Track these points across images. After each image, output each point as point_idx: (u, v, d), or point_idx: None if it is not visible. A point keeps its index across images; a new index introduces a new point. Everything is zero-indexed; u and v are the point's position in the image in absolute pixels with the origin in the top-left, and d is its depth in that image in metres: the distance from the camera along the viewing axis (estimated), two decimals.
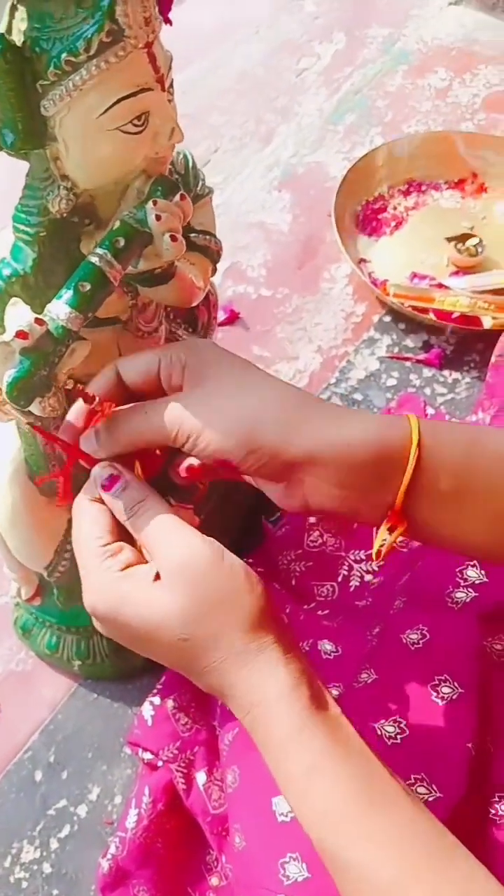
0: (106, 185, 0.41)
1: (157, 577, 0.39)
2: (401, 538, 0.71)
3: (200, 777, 0.60)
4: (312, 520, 0.73)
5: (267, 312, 0.93)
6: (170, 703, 0.64)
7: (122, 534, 0.42)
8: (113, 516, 0.42)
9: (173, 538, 0.40)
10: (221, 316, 0.91)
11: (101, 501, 0.42)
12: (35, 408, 0.41)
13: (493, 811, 0.49)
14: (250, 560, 0.73)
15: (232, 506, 0.76)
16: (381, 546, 0.40)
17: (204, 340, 0.44)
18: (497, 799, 0.49)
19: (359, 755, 0.38)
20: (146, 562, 0.41)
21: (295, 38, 1.28)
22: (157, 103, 0.39)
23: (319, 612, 0.68)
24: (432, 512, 0.40)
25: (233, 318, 0.92)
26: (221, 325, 0.92)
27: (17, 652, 0.72)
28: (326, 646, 0.63)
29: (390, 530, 0.39)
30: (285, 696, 0.38)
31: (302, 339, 0.91)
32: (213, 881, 0.59)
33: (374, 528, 0.41)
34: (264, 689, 0.38)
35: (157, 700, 0.65)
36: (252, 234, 1.01)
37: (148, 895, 0.58)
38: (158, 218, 0.40)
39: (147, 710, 0.65)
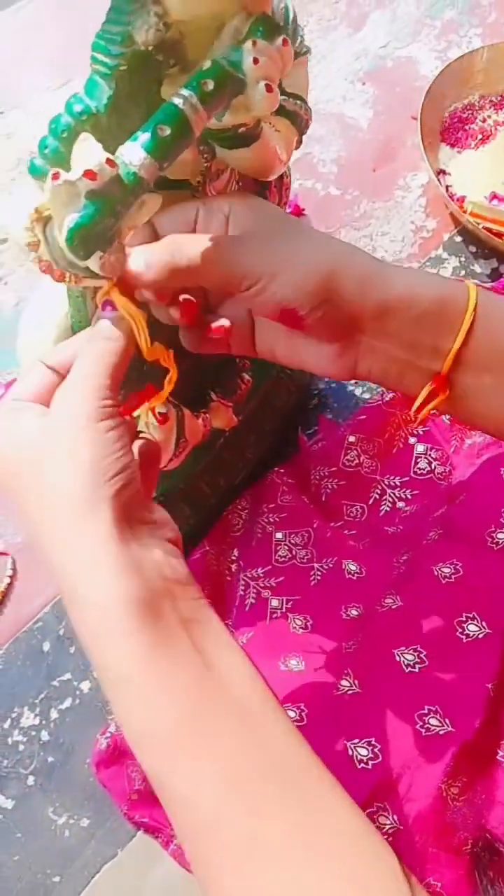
0: (201, 17, 0.36)
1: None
2: (440, 467, 0.70)
3: None
4: (352, 439, 0.71)
5: (333, 213, 0.88)
6: None
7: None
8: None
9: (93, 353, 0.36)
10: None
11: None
12: (94, 263, 0.37)
13: (501, 752, 0.49)
14: (282, 469, 0.71)
15: (271, 411, 0.73)
16: (420, 410, 0.40)
17: (246, 192, 0.41)
18: None
19: (188, 664, 0.32)
20: None
21: None
22: None
23: (346, 532, 0.67)
24: (475, 382, 0.39)
25: (297, 214, 0.87)
26: None
27: None
28: (351, 566, 0.62)
29: (432, 395, 0.39)
30: (108, 587, 0.32)
31: (366, 248, 0.86)
32: None
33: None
34: (84, 571, 0.32)
35: None
36: (328, 126, 0.94)
37: (140, 777, 0.59)
38: (256, 61, 0.35)
39: None
